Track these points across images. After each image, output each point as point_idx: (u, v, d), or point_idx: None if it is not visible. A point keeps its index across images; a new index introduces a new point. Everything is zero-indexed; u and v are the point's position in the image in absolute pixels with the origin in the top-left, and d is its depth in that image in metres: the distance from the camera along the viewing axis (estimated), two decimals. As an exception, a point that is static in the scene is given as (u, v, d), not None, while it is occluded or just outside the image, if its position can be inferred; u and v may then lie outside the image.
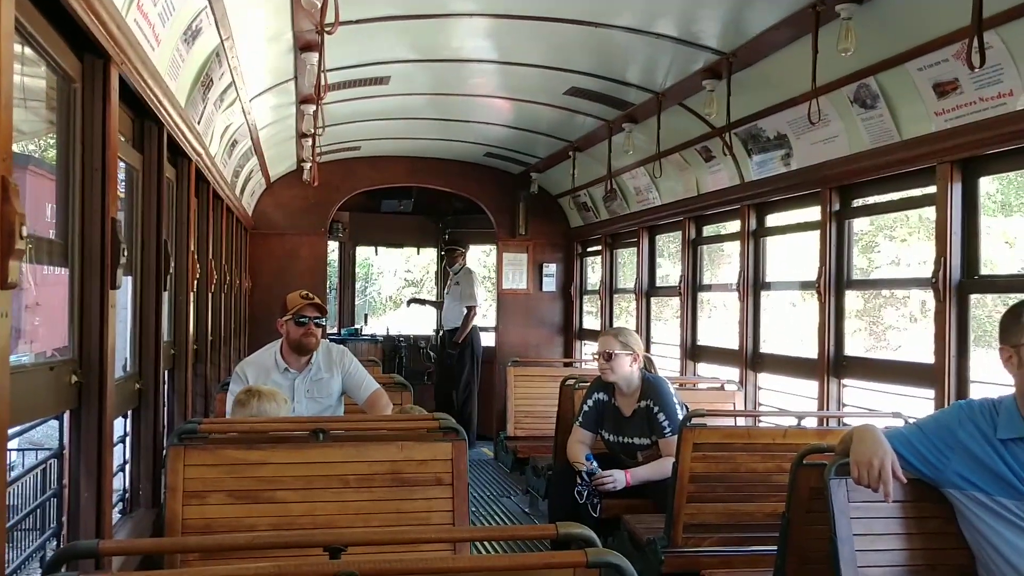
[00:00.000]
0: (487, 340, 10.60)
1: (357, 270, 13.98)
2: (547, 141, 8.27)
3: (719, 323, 8.98)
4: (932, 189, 4.27)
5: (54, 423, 4.04)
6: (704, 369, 7.01)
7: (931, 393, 4.25)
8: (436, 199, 11.80)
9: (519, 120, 7.83)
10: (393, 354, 10.91)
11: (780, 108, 5.10)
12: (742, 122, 5.46)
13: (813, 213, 5.40)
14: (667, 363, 7.50)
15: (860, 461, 2.65)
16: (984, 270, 4.18)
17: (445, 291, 10.57)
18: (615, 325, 8.67)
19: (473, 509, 6.98)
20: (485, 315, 12.29)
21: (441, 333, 10.65)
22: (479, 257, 16.47)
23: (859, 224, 5.57)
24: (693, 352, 7.09)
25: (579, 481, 4.64)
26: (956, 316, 4.11)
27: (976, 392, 4.05)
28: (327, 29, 3.58)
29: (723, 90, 5.16)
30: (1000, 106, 3.66)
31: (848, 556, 2.64)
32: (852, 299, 5.62)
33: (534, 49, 5.74)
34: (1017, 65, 3.50)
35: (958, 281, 4.12)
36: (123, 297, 3.81)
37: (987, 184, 9.04)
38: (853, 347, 5.38)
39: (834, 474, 2.69)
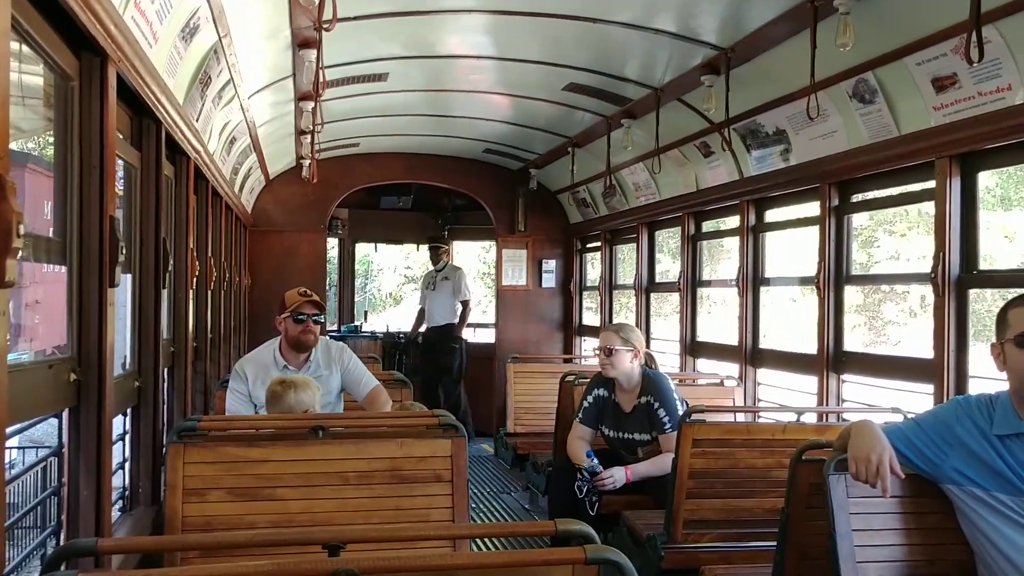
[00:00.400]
0: (488, 336, 10.62)
1: (357, 267, 13.97)
2: (546, 137, 8.27)
3: (719, 319, 8.98)
4: (931, 184, 4.26)
5: (54, 421, 4.04)
6: (704, 365, 7.00)
7: (930, 388, 4.25)
8: (435, 195, 11.80)
9: (518, 116, 7.83)
10: (393, 351, 10.91)
11: (779, 103, 5.10)
12: (741, 117, 5.46)
13: (812, 208, 5.40)
14: (667, 359, 7.50)
15: (858, 457, 2.65)
16: (984, 265, 4.17)
17: (427, 288, 10.44)
18: (616, 321, 8.66)
19: (473, 505, 6.99)
20: (485, 311, 12.30)
21: (426, 330, 10.54)
22: (479, 253, 16.48)
23: (858, 219, 5.54)
24: (693, 348, 7.09)
25: (579, 477, 4.65)
26: (955, 311, 4.11)
27: (975, 387, 4.05)
28: (325, 26, 3.58)
29: (722, 85, 5.16)
30: (999, 100, 3.65)
31: (847, 552, 2.65)
32: (852, 294, 5.61)
33: (532, 45, 5.74)
34: (1016, 59, 3.50)
35: (957, 276, 4.11)
36: (122, 295, 3.81)
37: (987, 179, 9.04)
38: (853, 342, 5.38)
39: (833, 470, 2.69)
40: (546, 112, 7.37)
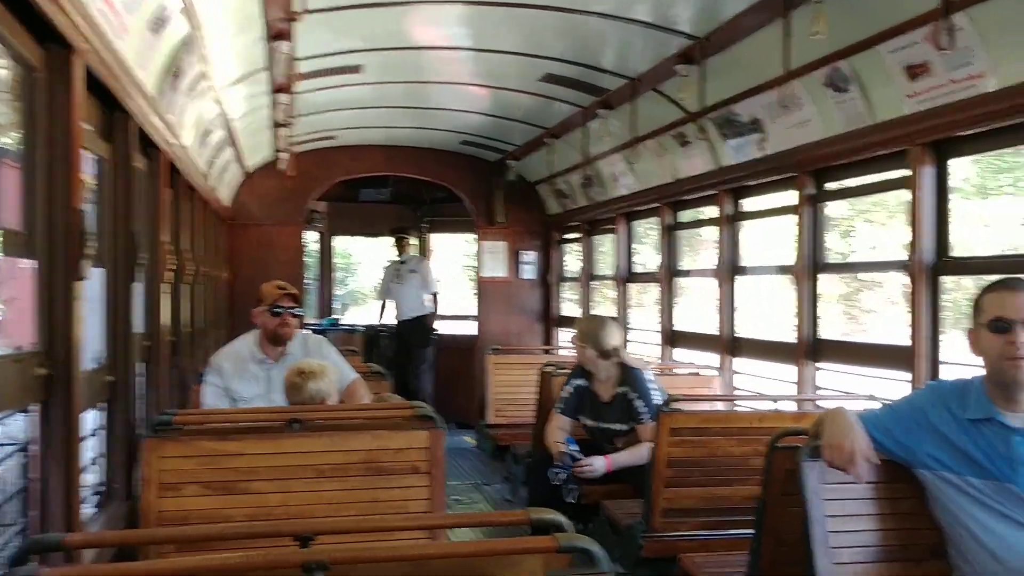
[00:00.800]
0: (468, 328, 10.65)
1: (339, 260, 13.91)
2: (523, 128, 8.26)
3: (700, 308, 9.00)
4: (905, 172, 4.28)
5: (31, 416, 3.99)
6: (683, 354, 7.02)
7: (907, 375, 4.28)
8: (415, 188, 11.78)
9: (495, 107, 7.82)
10: (373, 344, 10.87)
11: (754, 92, 5.09)
12: (716, 107, 5.45)
13: (789, 197, 5.40)
14: (647, 349, 7.51)
15: (832, 444, 2.67)
16: (964, 252, 4.19)
17: (393, 281, 10.29)
18: (594, 312, 8.68)
19: (456, 497, 7.00)
20: (468, 304, 12.28)
21: (397, 324, 10.39)
22: (462, 247, 16.44)
23: (839, 209, 5.55)
24: (672, 338, 7.10)
25: (556, 464, 4.66)
26: (929, 298, 4.13)
27: (949, 374, 4.07)
28: (295, 17, 3.55)
29: (697, 75, 5.17)
30: (970, 88, 3.66)
31: (820, 537, 2.66)
32: (834, 283, 5.63)
33: (509, 36, 5.73)
34: (987, 46, 3.51)
35: (931, 263, 4.13)
36: (95, 289, 3.77)
37: (966, 167, 9.09)
38: (834, 331, 5.41)
39: (807, 457, 2.71)
40: (523, 103, 7.36)
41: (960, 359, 4.07)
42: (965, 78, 3.66)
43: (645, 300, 9.29)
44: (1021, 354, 2.48)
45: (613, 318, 5.20)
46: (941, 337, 4.19)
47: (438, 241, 13.26)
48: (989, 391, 2.61)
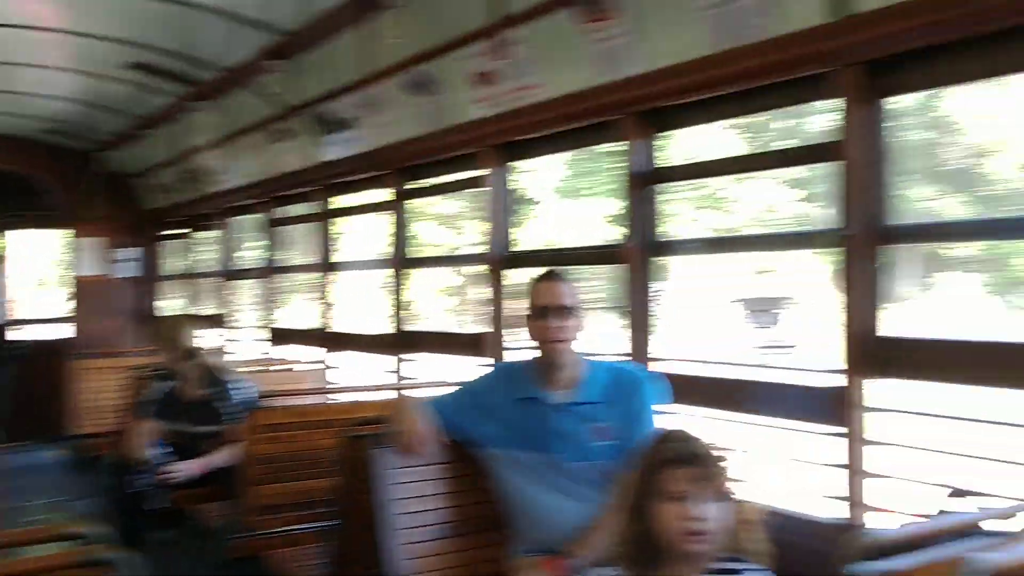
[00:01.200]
0: (61, 331, 9.82)
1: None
2: (117, 118, 7.79)
3: (308, 304, 8.99)
4: (480, 172, 4.57)
5: None
6: (290, 350, 6.96)
7: (487, 360, 4.59)
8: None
9: (85, 94, 7.32)
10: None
11: (345, 91, 5.18)
12: (311, 103, 5.48)
13: (384, 194, 5.57)
14: (256, 346, 7.37)
15: (399, 431, 2.82)
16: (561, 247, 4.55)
17: None
18: (191, 312, 8.40)
19: (34, 518, 6.42)
20: (64, 303, 11.30)
21: None
22: (50, 243, 15.06)
23: (457, 205, 5.81)
24: (276, 334, 7.03)
25: (136, 471, 4.43)
26: (498, 289, 4.48)
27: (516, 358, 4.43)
28: None
29: (291, 70, 5.17)
30: (530, 97, 3.99)
31: (389, 520, 2.80)
32: (449, 277, 5.85)
33: (99, 19, 5.40)
34: (542, 60, 3.84)
35: (498, 257, 4.48)
36: None
37: (562, 170, 9.91)
38: (442, 322, 5.69)
39: (377, 444, 2.82)
40: (116, 91, 6.96)
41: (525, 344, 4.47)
42: (524, 87, 3.98)
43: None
44: (552, 337, 2.78)
45: (194, 316, 5.05)
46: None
47: (23, 238, 12.00)
48: (536, 372, 2.88)
